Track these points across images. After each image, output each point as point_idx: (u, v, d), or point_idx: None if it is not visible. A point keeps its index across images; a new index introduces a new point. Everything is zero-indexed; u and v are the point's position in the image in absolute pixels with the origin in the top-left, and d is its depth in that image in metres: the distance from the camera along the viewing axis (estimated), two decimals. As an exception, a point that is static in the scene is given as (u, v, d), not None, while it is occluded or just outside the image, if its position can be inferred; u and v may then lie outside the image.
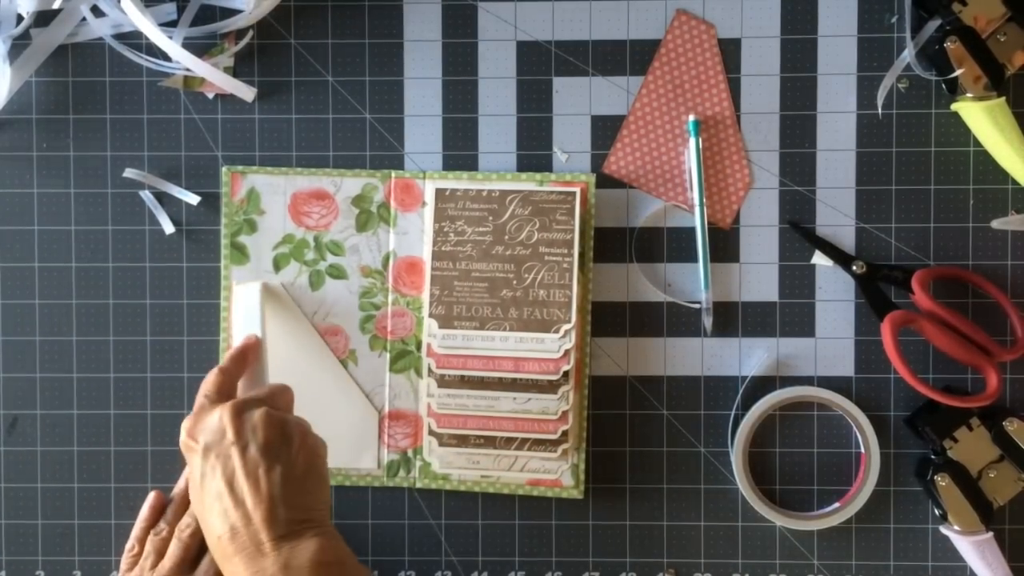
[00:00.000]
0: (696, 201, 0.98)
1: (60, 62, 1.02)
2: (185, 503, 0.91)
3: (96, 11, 1.00)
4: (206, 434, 0.83)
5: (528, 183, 0.99)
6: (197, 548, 0.90)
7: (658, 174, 1.00)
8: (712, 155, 1.00)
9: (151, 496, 0.95)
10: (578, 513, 1.01)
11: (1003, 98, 0.96)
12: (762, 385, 1.00)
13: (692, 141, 0.98)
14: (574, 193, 0.98)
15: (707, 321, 1.00)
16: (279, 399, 0.88)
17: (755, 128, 1.00)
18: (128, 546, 0.94)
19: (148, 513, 0.94)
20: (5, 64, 1.00)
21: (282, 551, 0.80)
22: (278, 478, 0.82)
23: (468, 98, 1.01)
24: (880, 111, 1.00)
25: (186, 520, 0.90)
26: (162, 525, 0.92)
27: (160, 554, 0.91)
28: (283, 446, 0.84)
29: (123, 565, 0.93)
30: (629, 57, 1.01)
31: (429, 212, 0.99)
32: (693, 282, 1.01)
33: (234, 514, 0.81)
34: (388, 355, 1.00)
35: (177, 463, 1.00)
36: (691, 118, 0.99)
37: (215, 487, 0.82)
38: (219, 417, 0.83)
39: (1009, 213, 1.00)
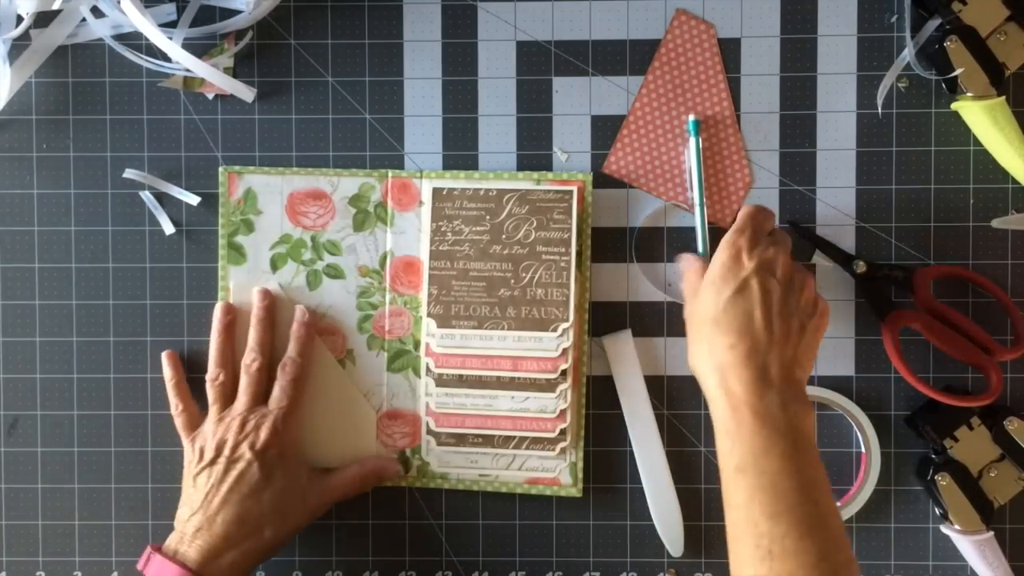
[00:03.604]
0: (696, 201, 0.98)
1: (60, 63, 1.02)
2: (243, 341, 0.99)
3: (96, 12, 1.00)
4: (762, 259, 0.88)
5: (525, 182, 0.99)
6: (266, 381, 0.96)
7: (658, 174, 1.00)
8: (712, 155, 1.00)
9: (167, 356, 1.01)
10: (578, 513, 1.01)
11: (1003, 98, 0.96)
12: (762, 385, 1.00)
13: (692, 141, 0.98)
14: (571, 192, 0.98)
15: None
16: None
17: (755, 128, 1.00)
18: (176, 411, 0.98)
19: (175, 372, 1.01)
20: (5, 65, 1.00)
21: (785, 391, 0.84)
22: (799, 338, 0.87)
23: (468, 98, 1.01)
24: (880, 111, 1.00)
25: (251, 356, 0.97)
26: (217, 370, 0.97)
27: (226, 399, 0.97)
28: (809, 321, 0.89)
29: (180, 424, 0.98)
30: (629, 57, 1.01)
31: (426, 211, 0.99)
32: (693, 282, 1.01)
33: (762, 336, 0.85)
34: (386, 354, 1.00)
35: (177, 464, 1.00)
36: (691, 118, 0.98)
37: (750, 304, 0.86)
38: (782, 262, 0.89)
39: (1009, 212, 0.99)
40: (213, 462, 0.93)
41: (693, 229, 0.99)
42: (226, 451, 0.93)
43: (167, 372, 1.00)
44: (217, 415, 0.96)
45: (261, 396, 0.96)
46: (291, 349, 0.97)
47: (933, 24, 0.98)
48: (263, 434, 0.93)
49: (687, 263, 0.94)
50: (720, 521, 1.00)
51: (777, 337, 0.85)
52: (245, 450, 0.92)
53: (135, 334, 1.02)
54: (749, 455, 0.81)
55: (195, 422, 0.97)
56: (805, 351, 0.87)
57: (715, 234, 0.99)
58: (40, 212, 1.02)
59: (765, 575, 0.78)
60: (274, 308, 0.99)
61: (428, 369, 0.99)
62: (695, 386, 0.99)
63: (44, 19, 1.01)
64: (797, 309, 0.87)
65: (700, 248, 0.98)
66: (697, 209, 0.98)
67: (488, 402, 0.98)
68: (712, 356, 0.86)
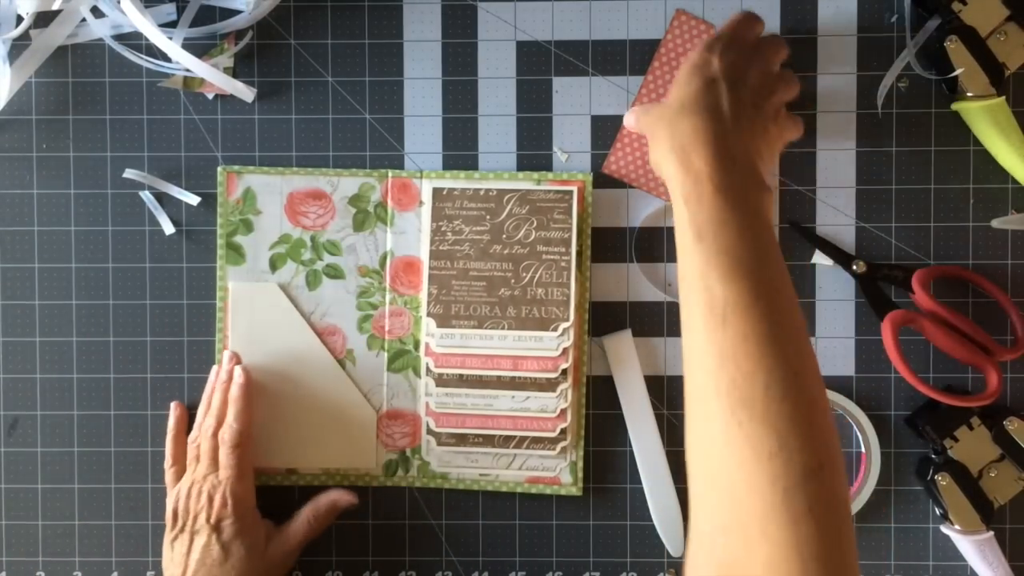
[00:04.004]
0: None
1: (60, 63, 1.02)
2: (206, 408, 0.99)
3: (96, 12, 1.00)
4: (732, 63, 0.89)
5: (525, 182, 0.99)
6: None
7: (656, 174, 1.00)
8: None
9: (174, 407, 1.02)
10: (578, 513, 1.01)
11: (1003, 98, 0.96)
12: (762, 385, 1.00)
13: None
14: (571, 192, 0.98)
15: None
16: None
17: (755, 128, 1.00)
18: (166, 464, 1.00)
19: (176, 425, 1.01)
20: (5, 65, 1.00)
21: (747, 174, 0.83)
22: (763, 137, 0.89)
23: (468, 98, 1.01)
24: (880, 111, 1.00)
25: (209, 420, 0.97)
26: (197, 432, 0.98)
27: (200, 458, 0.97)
28: (773, 126, 0.91)
29: (167, 480, 0.99)
30: (629, 57, 1.01)
31: (427, 211, 0.99)
32: (693, 282, 1.01)
33: (728, 121, 0.86)
34: (386, 354, 1.00)
35: (177, 463, 1.00)
36: None
37: (716, 96, 0.87)
38: (755, 72, 0.90)
39: (1009, 212, 0.99)
40: (182, 530, 0.94)
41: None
42: (189, 521, 0.94)
43: (170, 422, 1.01)
44: (188, 476, 0.97)
45: (218, 461, 0.96)
46: (229, 414, 0.96)
47: (933, 24, 0.98)
48: (216, 506, 0.93)
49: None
50: (720, 521, 1.00)
51: (744, 126, 0.85)
52: (202, 522, 0.93)
53: (135, 334, 1.02)
54: (708, 223, 0.79)
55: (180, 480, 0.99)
56: (767, 148, 0.89)
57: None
58: (40, 212, 1.02)
59: (719, 340, 0.75)
60: (250, 386, 0.98)
61: (428, 369, 0.99)
62: (695, 386, 1.00)
63: (44, 19, 1.01)
64: (762, 112, 0.88)
65: None
66: None
67: (488, 402, 0.98)
68: (674, 138, 0.85)
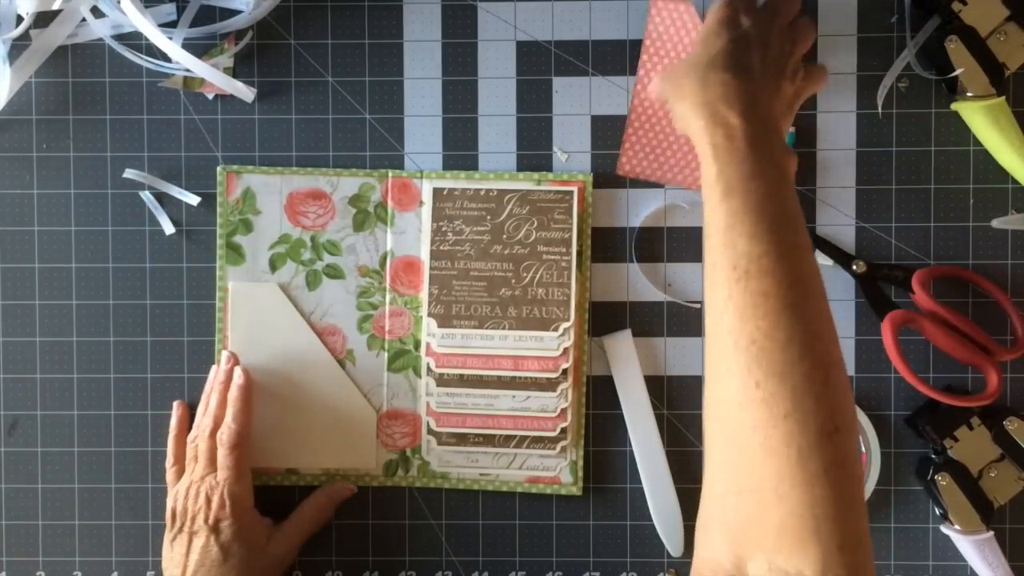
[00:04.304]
0: None
1: (60, 63, 1.02)
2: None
3: (96, 12, 1.00)
4: (758, 21, 0.89)
5: (526, 182, 0.99)
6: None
7: (673, 163, 1.00)
8: None
9: (176, 406, 1.02)
10: (578, 513, 1.01)
11: (1003, 98, 0.96)
12: (762, 385, 1.00)
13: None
14: (571, 192, 0.98)
15: None
16: None
17: (755, 128, 1.00)
18: (168, 463, 1.00)
19: (177, 424, 1.01)
20: (5, 65, 1.00)
21: (775, 132, 0.84)
22: (788, 95, 0.90)
23: (468, 98, 1.01)
24: (880, 111, 1.00)
25: (206, 420, 0.97)
26: (195, 433, 0.98)
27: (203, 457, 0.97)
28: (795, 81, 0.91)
29: (168, 479, 0.99)
30: (629, 57, 1.01)
31: (427, 211, 0.99)
32: (693, 282, 1.01)
33: (759, 77, 0.86)
34: (386, 354, 1.00)
35: (177, 463, 1.01)
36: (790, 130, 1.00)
37: (747, 52, 0.87)
38: (777, 27, 0.89)
39: (1009, 212, 0.99)
40: (180, 530, 0.94)
41: (693, 229, 1.00)
42: (187, 521, 0.94)
43: (172, 421, 1.01)
44: (186, 477, 0.97)
45: (215, 462, 0.96)
46: (228, 415, 0.97)
47: (933, 24, 0.98)
48: (214, 507, 0.93)
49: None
50: (720, 521, 1.00)
51: (771, 85, 0.86)
52: (200, 523, 0.93)
53: (135, 334, 1.02)
54: (737, 178, 0.79)
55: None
56: (788, 108, 0.90)
57: (715, 234, 0.99)
58: (40, 212, 1.02)
59: (739, 297, 0.75)
60: (249, 387, 0.99)
61: (429, 369, 0.99)
62: (695, 386, 1.00)
63: (44, 19, 1.01)
64: (783, 72, 0.88)
65: None
66: None
67: (489, 401, 0.98)
68: (704, 90, 0.85)
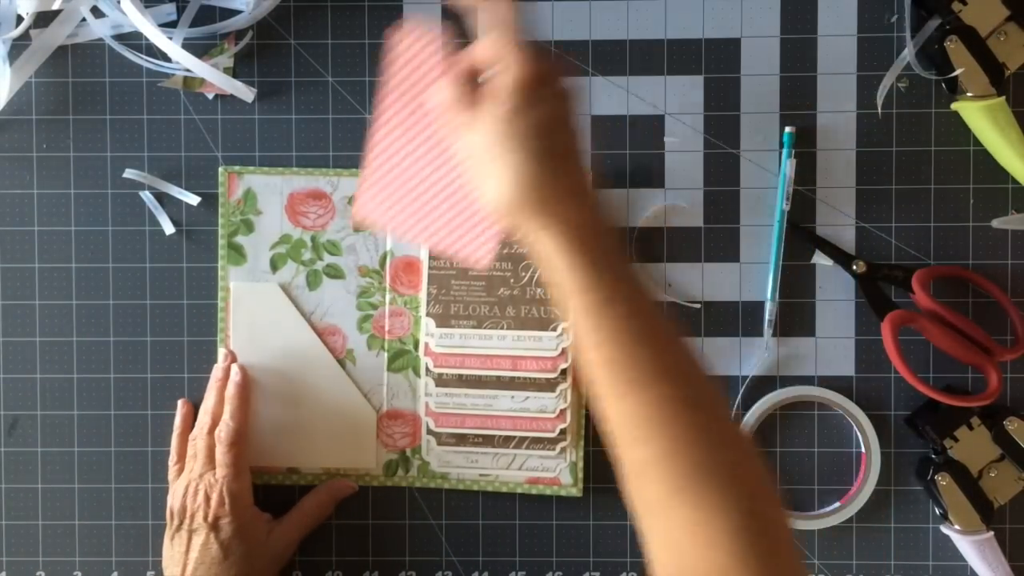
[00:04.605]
0: (776, 217, 0.99)
1: (60, 63, 1.02)
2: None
3: (96, 12, 1.00)
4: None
5: (526, 182, 0.99)
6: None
7: (409, 215, 0.86)
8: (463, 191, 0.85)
9: (181, 404, 1.01)
10: (578, 513, 1.01)
11: (1003, 98, 0.96)
12: (762, 385, 1.00)
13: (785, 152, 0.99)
14: (571, 191, 0.98)
15: (768, 332, 1.00)
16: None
17: (755, 128, 1.00)
18: (171, 461, 1.00)
19: (181, 423, 1.01)
20: (5, 65, 1.00)
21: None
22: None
23: (468, 98, 1.01)
24: (880, 111, 1.00)
25: (204, 418, 0.98)
26: (195, 432, 0.98)
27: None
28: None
29: (170, 477, 0.99)
30: (629, 57, 1.01)
31: (427, 211, 0.99)
32: (693, 282, 1.01)
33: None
34: (386, 354, 1.00)
35: (177, 463, 1.01)
36: (788, 130, 0.99)
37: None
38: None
39: (1009, 212, 0.99)
40: (179, 528, 0.94)
41: (693, 229, 1.00)
42: (186, 519, 0.94)
43: (176, 419, 1.01)
44: (185, 474, 0.97)
45: (214, 460, 0.97)
46: (225, 412, 0.97)
47: (933, 24, 0.98)
48: (212, 505, 0.93)
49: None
50: (720, 521, 1.00)
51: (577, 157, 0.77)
52: (200, 521, 0.93)
53: (135, 334, 1.02)
54: (606, 286, 0.72)
55: None
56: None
57: (715, 234, 0.99)
58: (40, 212, 1.02)
59: (636, 407, 0.71)
60: (247, 385, 0.99)
61: (428, 369, 0.99)
62: (695, 386, 1.00)
63: (44, 19, 1.01)
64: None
65: (773, 258, 0.99)
66: (776, 226, 0.99)
67: (488, 402, 0.98)
68: (542, 193, 0.74)
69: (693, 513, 0.69)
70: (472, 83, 0.77)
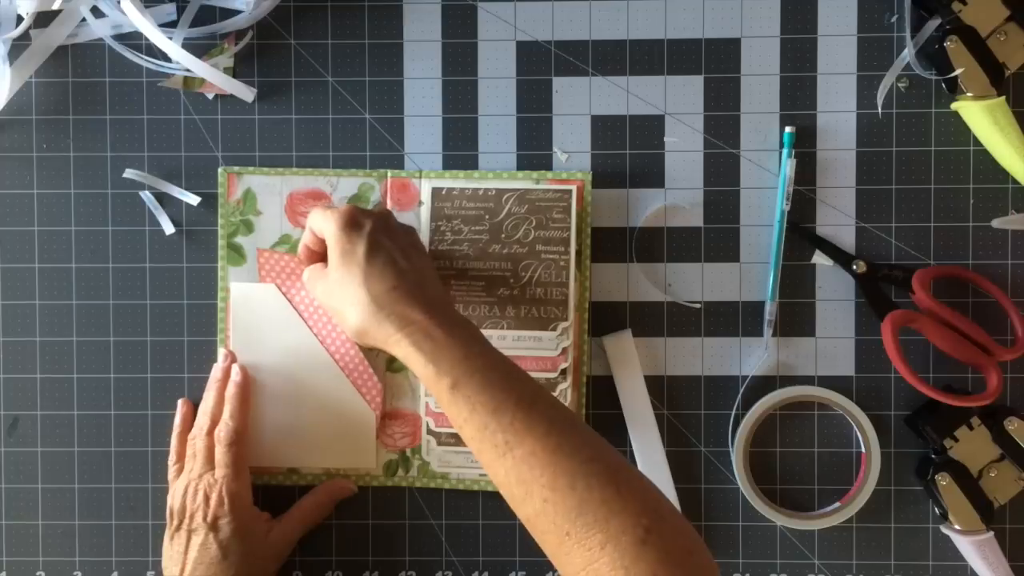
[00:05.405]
0: (776, 217, 0.99)
1: (60, 62, 1.02)
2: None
3: (96, 12, 1.00)
4: (376, 221, 0.91)
5: (525, 181, 0.99)
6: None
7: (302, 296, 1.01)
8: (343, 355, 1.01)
9: (181, 404, 1.01)
10: (578, 513, 1.01)
11: (1003, 98, 0.96)
12: (762, 385, 1.00)
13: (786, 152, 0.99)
14: (570, 191, 0.98)
15: (767, 332, 1.00)
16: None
17: (755, 128, 1.00)
18: (171, 461, 1.00)
19: (181, 422, 1.01)
20: (5, 65, 1.00)
21: (448, 307, 0.90)
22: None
23: (468, 98, 1.01)
24: (880, 111, 1.00)
25: (203, 419, 0.98)
26: (194, 432, 0.98)
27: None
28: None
29: (170, 477, 0.99)
30: (629, 57, 1.01)
31: (426, 211, 0.99)
32: (693, 282, 1.01)
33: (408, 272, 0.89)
34: (385, 354, 1.00)
35: (177, 463, 1.01)
36: (788, 130, 0.99)
37: (387, 253, 0.89)
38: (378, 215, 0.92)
39: (1009, 212, 0.99)
40: (178, 528, 0.94)
41: (693, 229, 1.00)
42: (185, 519, 0.94)
43: (176, 419, 1.01)
44: (184, 474, 0.97)
45: (213, 460, 0.97)
46: (225, 412, 0.97)
47: (933, 24, 0.98)
48: (212, 505, 0.94)
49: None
50: (721, 521, 1.00)
51: (414, 260, 0.91)
52: (199, 521, 0.93)
53: (135, 334, 1.02)
54: (455, 367, 0.82)
55: None
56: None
57: (715, 234, 0.99)
58: (40, 212, 1.02)
59: (511, 467, 0.78)
60: (247, 385, 0.99)
61: (428, 369, 0.99)
62: (695, 386, 1.00)
63: (44, 19, 1.01)
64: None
65: (773, 260, 0.99)
66: (776, 226, 0.99)
67: (488, 402, 0.98)
68: (381, 308, 0.87)
69: (584, 554, 0.74)
70: (316, 251, 0.95)
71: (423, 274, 0.90)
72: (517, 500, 0.79)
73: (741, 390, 1.00)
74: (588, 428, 0.82)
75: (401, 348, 0.85)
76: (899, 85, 1.00)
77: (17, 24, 1.00)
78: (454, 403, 0.82)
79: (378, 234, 0.89)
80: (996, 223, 0.99)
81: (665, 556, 0.72)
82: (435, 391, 0.83)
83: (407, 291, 0.86)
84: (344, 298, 0.88)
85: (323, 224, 0.90)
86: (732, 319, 1.01)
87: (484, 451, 0.80)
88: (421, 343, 0.84)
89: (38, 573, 1.03)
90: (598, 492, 0.75)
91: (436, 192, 0.99)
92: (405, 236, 0.92)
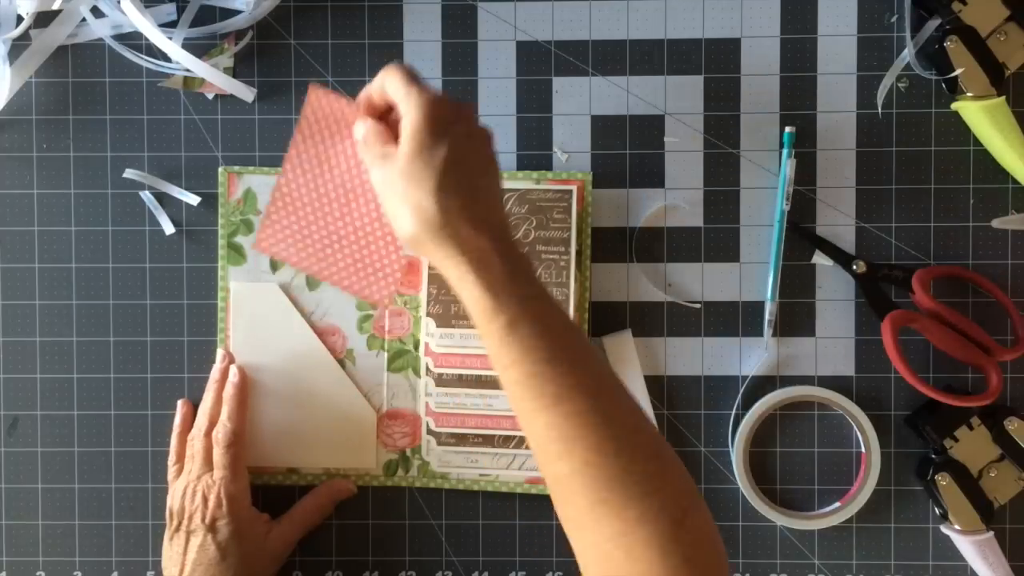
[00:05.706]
0: (776, 217, 0.98)
1: (60, 62, 1.02)
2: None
3: (96, 12, 1.00)
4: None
5: (525, 181, 0.99)
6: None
7: (312, 252, 0.92)
8: (366, 232, 0.92)
9: (180, 405, 1.01)
10: (578, 513, 1.01)
11: (1003, 98, 0.96)
12: (762, 385, 1.00)
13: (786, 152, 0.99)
14: (571, 191, 0.98)
15: (767, 332, 1.00)
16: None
17: (755, 128, 1.00)
18: (170, 461, 1.00)
19: (181, 423, 1.01)
20: (5, 65, 1.00)
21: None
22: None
23: (468, 98, 1.01)
24: (880, 111, 1.00)
25: (201, 419, 0.98)
26: (193, 433, 0.98)
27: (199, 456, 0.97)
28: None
29: (169, 477, 0.99)
30: (629, 57, 1.01)
31: (427, 211, 0.99)
32: (693, 282, 1.01)
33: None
34: (386, 354, 1.00)
35: (177, 463, 1.01)
36: (788, 130, 0.99)
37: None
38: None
39: (1009, 212, 0.99)
40: (177, 529, 0.95)
41: (693, 229, 1.00)
42: (184, 520, 0.94)
43: (175, 419, 1.01)
44: (183, 476, 0.98)
45: (211, 461, 0.97)
46: (223, 413, 0.97)
47: (933, 24, 0.98)
48: (210, 506, 0.94)
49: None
50: (721, 521, 1.00)
51: (491, 186, 0.82)
52: (198, 522, 0.93)
53: (135, 334, 1.02)
54: (514, 305, 0.76)
55: None
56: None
57: (715, 234, 0.99)
58: (40, 212, 1.02)
59: (553, 422, 0.74)
60: (244, 386, 0.99)
61: (428, 369, 0.99)
62: (695, 386, 1.00)
63: (44, 19, 1.01)
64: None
65: (772, 259, 0.99)
66: (776, 226, 0.99)
67: (488, 402, 0.98)
68: (447, 224, 0.78)
69: (618, 524, 0.71)
70: (385, 121, 0.84)
71: (495, 195, 0.82)
72: (551, 456, 0.74)
73: (741, 390, 1.00)
74: (632, 396, 0.77)
75: (458, 271, 0.77)
76: (899, 85, 1.00)
77: (17, 24, 1.00)
78: (505, 343, 0.76)
79: (464, 140, 0.79)
80: (996, 223, 0.99)
81: (698, 541, 0.71)
82: (485, 326, 0.77)
83: (478, 212, 0.78)
84: (407, 198, 0.78)
85: (406, 102, 0.79)
86: (732, 319, 1.01)
87: (525, 399, 0.75)
88: (482, 272, 0.76)
89: (38, 573, 1.03)
90: (641, 465, 0.72)
91: (436, 192, 0.99)
92: (485, 145, 0.82)
